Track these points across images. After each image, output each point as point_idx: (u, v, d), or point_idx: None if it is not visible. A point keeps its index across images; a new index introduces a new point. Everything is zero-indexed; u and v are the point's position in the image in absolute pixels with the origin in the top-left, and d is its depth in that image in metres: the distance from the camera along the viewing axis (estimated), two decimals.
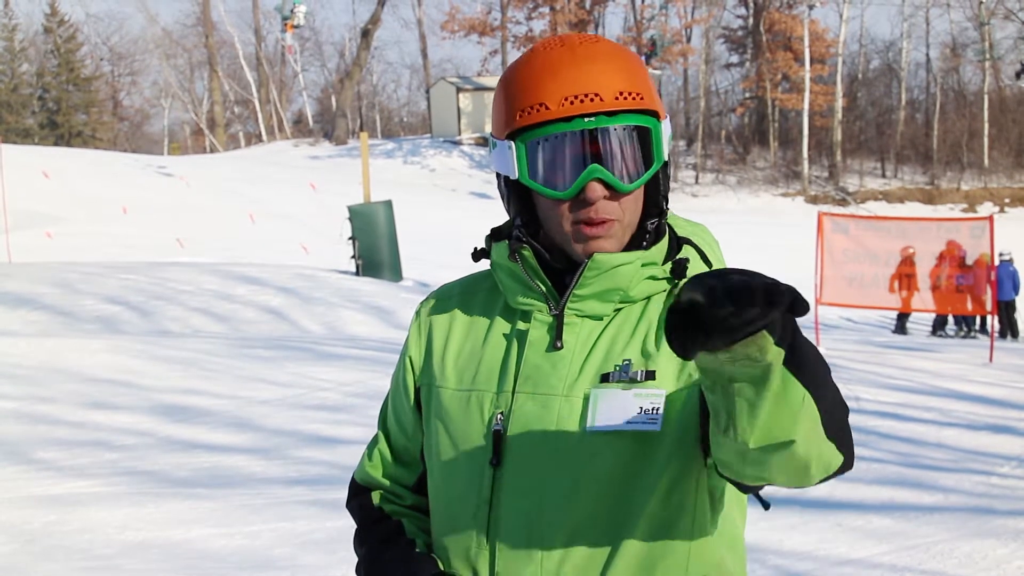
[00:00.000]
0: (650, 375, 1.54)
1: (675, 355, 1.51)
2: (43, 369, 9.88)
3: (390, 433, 1.79)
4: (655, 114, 1.57)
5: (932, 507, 6.43)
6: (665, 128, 1.58)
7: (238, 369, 10.30)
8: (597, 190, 1.53)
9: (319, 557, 5.24)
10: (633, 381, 1.54)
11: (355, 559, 1.77)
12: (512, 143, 1.57)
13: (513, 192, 1.61)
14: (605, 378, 1.55)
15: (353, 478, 1.85)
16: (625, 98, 1.53)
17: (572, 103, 1.52)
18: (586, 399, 1.55)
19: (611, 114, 1.53)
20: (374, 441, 1.82)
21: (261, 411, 8.75)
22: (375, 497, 1.79)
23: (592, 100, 1.52)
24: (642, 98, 1.55)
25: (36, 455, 7.42)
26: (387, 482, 1.79)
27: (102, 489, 6.57)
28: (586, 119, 1.52)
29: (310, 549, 5.34)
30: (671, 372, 1.55)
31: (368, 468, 1.81)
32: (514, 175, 1.57)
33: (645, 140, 1.55)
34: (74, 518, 5.85)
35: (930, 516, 6.21)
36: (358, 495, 1.82)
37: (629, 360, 1.56)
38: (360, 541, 1.76)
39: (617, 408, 1.53)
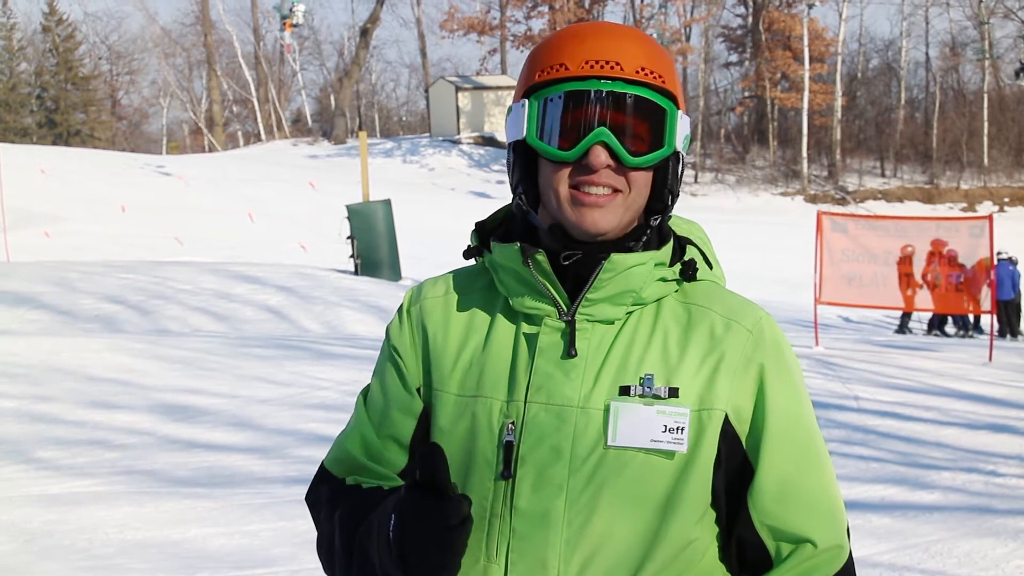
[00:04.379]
0: (673, 392, 1.49)
1: (698, 372, 1.51)
2: (42, 368, 9.87)
3: (382, 416, 1.63)
4: (674, 99, 1.54)
5: (931, 506, 6.43)
6: (682, 119, 1.54)
7: (237, 368, 10.29)
8: (601, 156, 1.47)
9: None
10: (656, 398, 1.49)
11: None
12: (526, 100, 1.54)
13: (518, 159, 1.55)
14: (625, 391, 1.50)
15: (322, 464, 1.68)
16: (646, 74, 1.50)
17: (592, 67, 1.49)
18: (606, 412, 1.49)
19: (629, 82, 1.50)
20: (351, 427, 1.67)
21: (260, 410, 8.75)
22: (351, 480, 1.62)
23: (613, 67, 1.49)
24: (663, 80, 1.52)
25: (35, 454, 7.42)
26: (372, 464, 1.62)
27: (101, 488, 6.57)
28: (602, 81, 1.49)
29: (310, 548, 5.31)
30: (695, 390, 1.50)
31: (349, 447, 1.64)
32: (522, 135, 1.53)
33: (659, 121, 1.51)
34: (73, 517, 5.85)
35: (929, 515, 6.20)
36: (327, 480, 1.64)
37: (651, 375, 1.50)
38: (340, 525, 1.56)
39: (640, 425, 1.48)
